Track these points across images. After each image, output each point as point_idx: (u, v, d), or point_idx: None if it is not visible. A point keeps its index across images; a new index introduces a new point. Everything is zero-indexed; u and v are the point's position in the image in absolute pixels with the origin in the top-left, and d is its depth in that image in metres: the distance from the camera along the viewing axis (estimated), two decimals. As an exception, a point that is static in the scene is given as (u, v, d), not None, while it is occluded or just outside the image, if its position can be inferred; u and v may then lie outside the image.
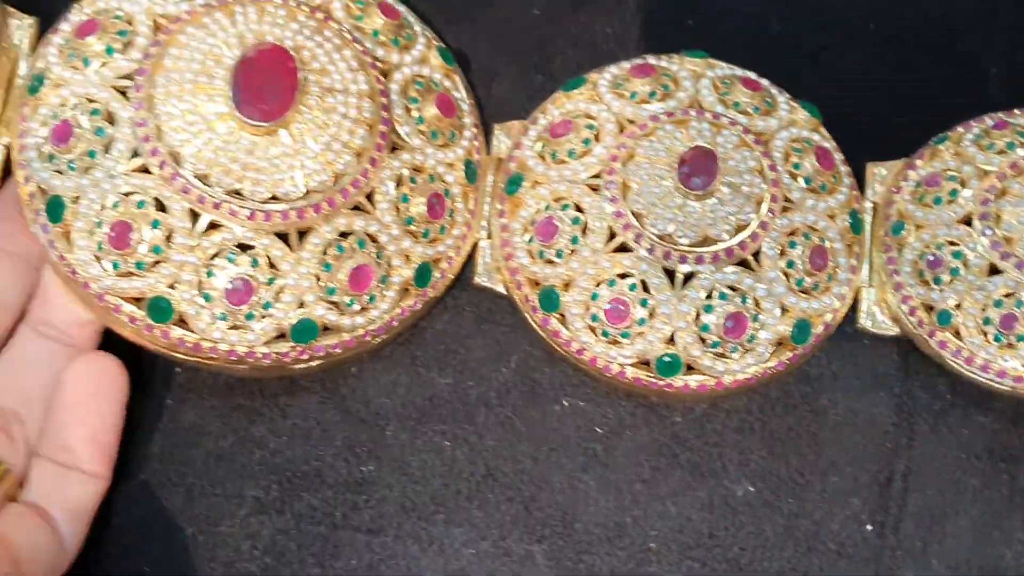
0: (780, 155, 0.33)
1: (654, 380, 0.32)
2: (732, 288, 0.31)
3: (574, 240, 0.32)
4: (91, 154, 0.31)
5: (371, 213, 0.32)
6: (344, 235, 0.31)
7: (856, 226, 0.33)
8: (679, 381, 0.32)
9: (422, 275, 0.33)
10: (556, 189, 0.33)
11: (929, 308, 0.32)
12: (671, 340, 0.31)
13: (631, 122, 0.33)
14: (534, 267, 0.33)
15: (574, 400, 0.34)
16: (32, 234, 0.31)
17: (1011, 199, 0.32)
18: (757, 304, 0.32)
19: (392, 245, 0.32)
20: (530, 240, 0.33)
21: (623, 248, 0.32)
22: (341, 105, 0.31)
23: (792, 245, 0.32)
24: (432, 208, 0.33)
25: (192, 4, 0.32)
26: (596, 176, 0.33)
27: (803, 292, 0.32)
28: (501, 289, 0.34)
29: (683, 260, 0.31)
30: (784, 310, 0.32)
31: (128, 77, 0.32)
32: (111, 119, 0.31)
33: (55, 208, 0.31)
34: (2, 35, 0.33)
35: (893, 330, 0.34)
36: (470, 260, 0.35)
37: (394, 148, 0.32)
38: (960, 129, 0.34)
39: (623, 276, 0.32)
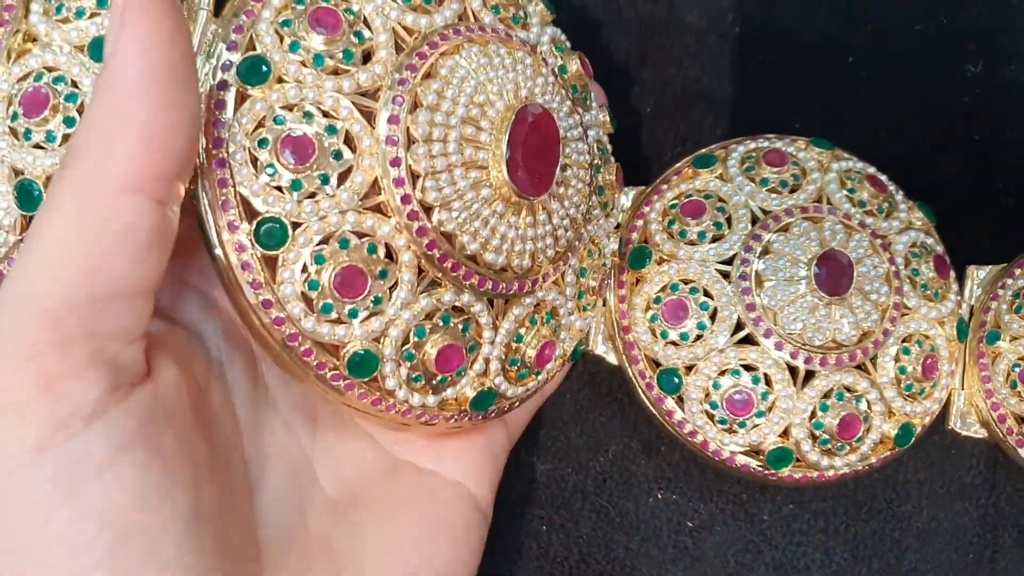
0: (901, 260, 0.34)
1: (762, 469, 0.33)
2: (849, 390, 0.32)
3: (701, 326, 0.33)
4: (323, 178, 0.27)
5: (560, 287, 0.32)
6: (538, 307, 0.31)
7: (962, 333, 0.35)
8: (784, 471, 0.33)
9: (576, 348, 0.33)
10: (684, 270, 0.33)
11: (1020, 419, 0.34)
12: (785, 433, 0.32)
13: (765, 212, 0.33)
14: (656, 346, 0.33)
15: (667, 493, 0.35)
16: None
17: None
18: (869, 407, 0.33)
19: (566, 318, 0.32)
20: (653, 318, 0.33)
21: (750, 340, 0.32)
22: (574, 181, 0.30)
23: (906, 351, 0.33)
24: (595, 280, 0.34)
25: (451, 25, 0.29)
26: (727, 263, 0.33)
27: (910, 396, 0.33)
28: (613, 359, 0.34)
29: (808, 360, 0.32)
30: (891, 413, 0.33)
31: (376, 93, 0.28)
32: (351, 143, 0.27)
33: (271, 233, 0.26)
34: None
35: (982, 433, 0.35)
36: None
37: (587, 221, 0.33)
38: None
39: (748, 368, 0.32)
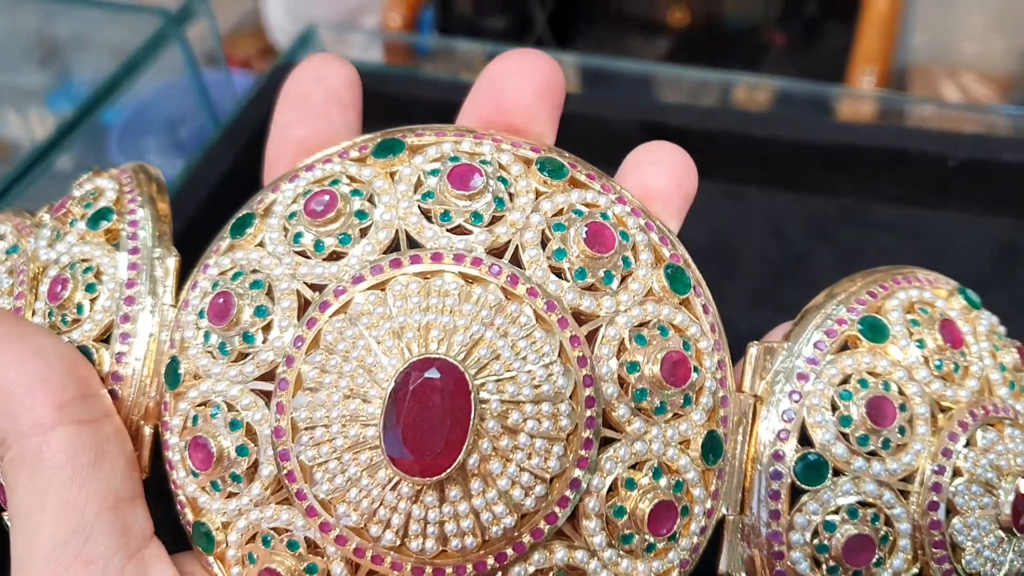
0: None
1: None
2: None
3: (878, 563, 0.29)
4: (235, 478, 0.28)
5: (575, 540, 0.27)
6: (540, 572, 0.27)
7: None
8: None
9: None
10: (864, 486, 0.29)
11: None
12: None
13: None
14: None
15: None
16: None
17: None
18: None
19: (603, 572, 0.27)
20: (821, 548, 0.29)
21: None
22: (529, 422, 0.26)
23: None
24: (658, 514, 0.27)
25: (335, 286, 0.28)
26: (905, 479, 0.29)
27: None
28: None
29: None
30: None
31: (267, 379, 0.28)
32: (252, 434, 0.28)
33: (205, 537, 0.28)
34: (143, 181, 0.33)
35: None
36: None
37: (604, 442, 0.27)
38: None
39: None
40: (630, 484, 0.27)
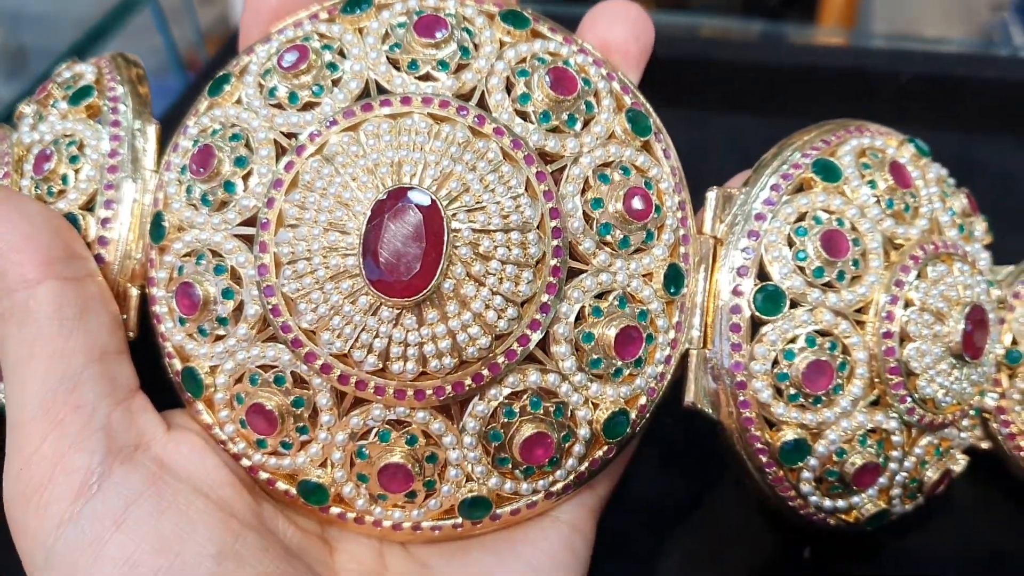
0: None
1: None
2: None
3: (837, 389, 0.30)
4: (222, 321, 0.29)
5: (548, 362, 0.29)
6: (514, 395, 0.29)
7: None
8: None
9: (614, 425, 0.30)
10: (822, 316, 0.30)
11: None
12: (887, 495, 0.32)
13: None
14: (778, 408, 0.30)
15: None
16: None
17: None
18: None
19: (576, 395, 0.29)
20: (781, 376, 0.30)
21: (876, 403, 0.31)
22: (500, 248, 0.27)
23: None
24: (623, 339, 0.29)
25: (321, 120, 0.29)
26: (860, 311, 0.31)
27: None
28: (711, 412, 0.31)
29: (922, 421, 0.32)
30: None
31: (248, 224, 0.29)
32: (237, 277, 0.29)
33: (193, 380, 0.30)
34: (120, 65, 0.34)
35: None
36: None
37: (578, 270, 0.29)
38: None
39: (873, 432, 0.31)
40: (596, 312, 0.29)
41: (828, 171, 0.32)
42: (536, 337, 0.28)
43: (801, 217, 0.31)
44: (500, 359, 0.28)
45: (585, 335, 0.29)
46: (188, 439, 0.29)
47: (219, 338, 0.29)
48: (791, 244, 0.31)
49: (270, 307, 0.28)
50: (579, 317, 0.29)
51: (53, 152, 0.31)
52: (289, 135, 0.29)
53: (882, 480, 0.32)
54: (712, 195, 0.32)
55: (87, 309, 0.28)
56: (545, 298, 0.28)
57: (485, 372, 0.28)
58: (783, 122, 0.55)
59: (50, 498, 0.26)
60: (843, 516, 0.32)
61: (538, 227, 0.28)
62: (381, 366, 0.27)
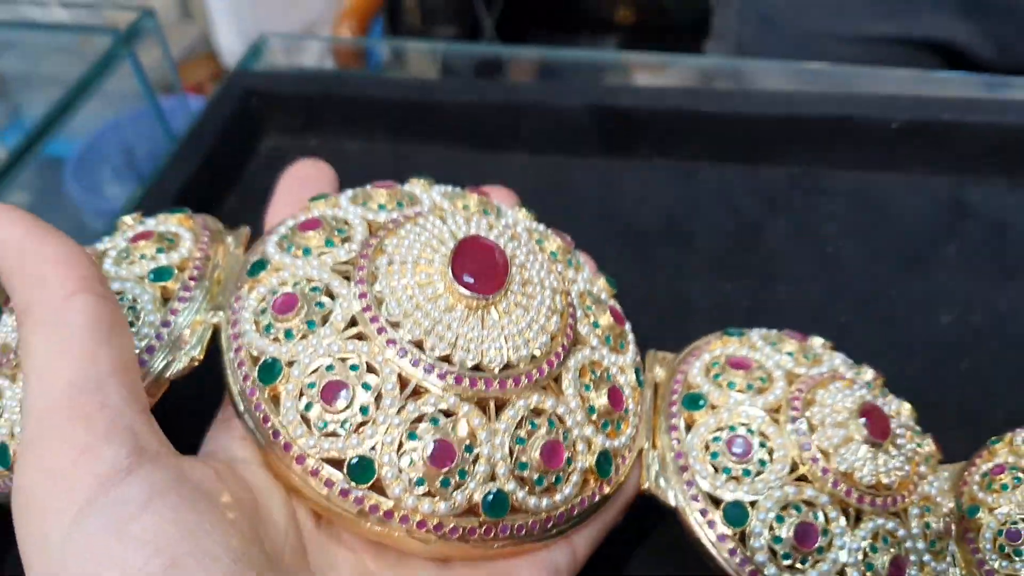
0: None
1: None
2: (891, 535, 0.34)
3: (762, 463, 0.34)
4: (310, 324, 0.32)
5: (560, 396, 0.33)
6: (536, 412, 0.33)
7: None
8: None
9: (603, 465, 0.34)
10: (737, 414, 0.35)
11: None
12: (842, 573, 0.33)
13: (797, 376, 0.36)
14: (716, 481, 0.34)
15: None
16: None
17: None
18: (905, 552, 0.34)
19: (577, 429, 0.33)
20: (714, 456, 0.35)
21: (803, 478, 0.34)
22: (539, 294, 0.34)
23: (927, 509, 0.35)
24: (612, 400, 0.35)
25: (400, 213, 0.36)
26: (776, 410, 0.35)
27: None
28: (671, 499, 0.35)
29: (860, 500, 0.33)
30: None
31: (349, 263, 0.34)
32: (331, 294, 0.33)
33: (269, 370, 0.32)
34: (217, 244, 0.37)
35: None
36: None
37: (576, 343, 0.35)
38: (1009, 434, 0.38)
39: (807, 504, 0.33)
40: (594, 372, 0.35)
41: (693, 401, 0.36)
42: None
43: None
44: (534, 373, 0.33)
45: (586, 385, 0.35)
46: (205, 466, 0.30)
47: (304, 337, 0.32)
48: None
49: (362, 307, 0.32)
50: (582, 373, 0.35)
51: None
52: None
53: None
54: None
55: (116, 326, 0.29)
56: (564, 342, 0.34)
57: (523, 379, 0.32)
58: (769, 171, 0.55)
59: (74, 482, 0.26)
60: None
61: None
62: (475, 361, 0.32)
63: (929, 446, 0.37)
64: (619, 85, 0.58)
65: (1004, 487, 0.36)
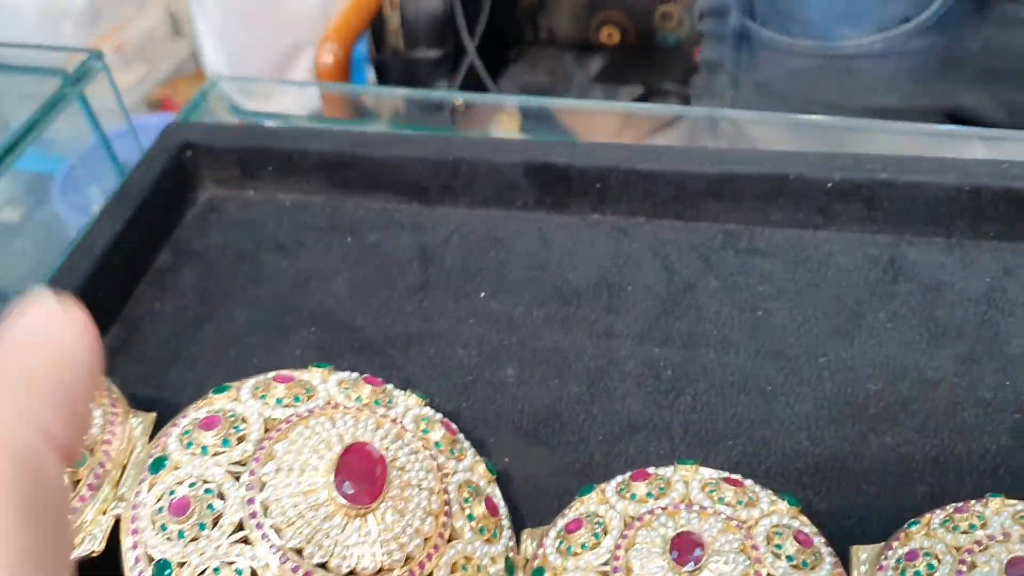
0: (762, 538, 0.36)
1: None
2: None
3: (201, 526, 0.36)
4: (201, 526, 0.34)
5: None
6: None
7: None
8: None
9: None
10: None
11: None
12: None
13: (632, 518, 0.37)
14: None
15: None
16: None
17: (979, 571, 0.34)
18: None
19: None
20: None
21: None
22: (416, 497, 0.36)
23: None
24: None
25: (296, 410, 0.38)
26: (604, 564, 0.36)
27: None
28: None
29: None
30: None
31: (241, 463, 0.36)
32: (222, 496, 0.35)
33: (162, 570, 0.34)
34: (124, 426, 0.39)
35: None
36: None
37: (451, 539, 0.37)
38: (928, 515, 0.38)
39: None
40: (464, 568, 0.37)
41: None
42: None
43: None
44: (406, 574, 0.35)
45: None
46: None
47: (194, 540, 0.34)
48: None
49: (249, 512, 0.34)
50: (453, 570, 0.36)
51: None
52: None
53: None
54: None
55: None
56: (437, 542, 0.36)
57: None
58: (706, 228, 0.55)
59: None
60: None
61: None
62: (350, 567, 0.34)
63: (790, 546, 0.36)
64: (555, 140, 0.57)
65: (917, 574, 0.35)
